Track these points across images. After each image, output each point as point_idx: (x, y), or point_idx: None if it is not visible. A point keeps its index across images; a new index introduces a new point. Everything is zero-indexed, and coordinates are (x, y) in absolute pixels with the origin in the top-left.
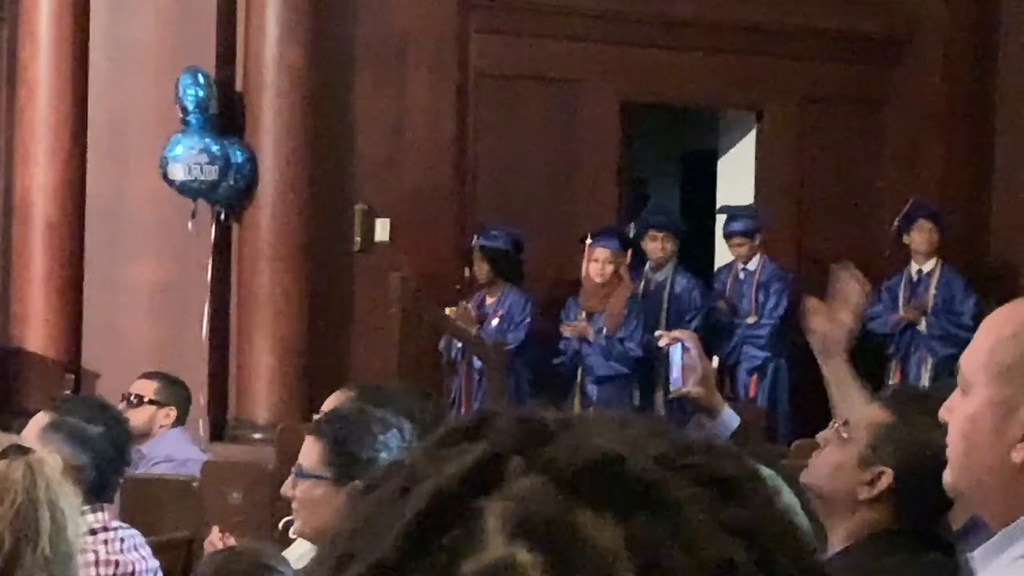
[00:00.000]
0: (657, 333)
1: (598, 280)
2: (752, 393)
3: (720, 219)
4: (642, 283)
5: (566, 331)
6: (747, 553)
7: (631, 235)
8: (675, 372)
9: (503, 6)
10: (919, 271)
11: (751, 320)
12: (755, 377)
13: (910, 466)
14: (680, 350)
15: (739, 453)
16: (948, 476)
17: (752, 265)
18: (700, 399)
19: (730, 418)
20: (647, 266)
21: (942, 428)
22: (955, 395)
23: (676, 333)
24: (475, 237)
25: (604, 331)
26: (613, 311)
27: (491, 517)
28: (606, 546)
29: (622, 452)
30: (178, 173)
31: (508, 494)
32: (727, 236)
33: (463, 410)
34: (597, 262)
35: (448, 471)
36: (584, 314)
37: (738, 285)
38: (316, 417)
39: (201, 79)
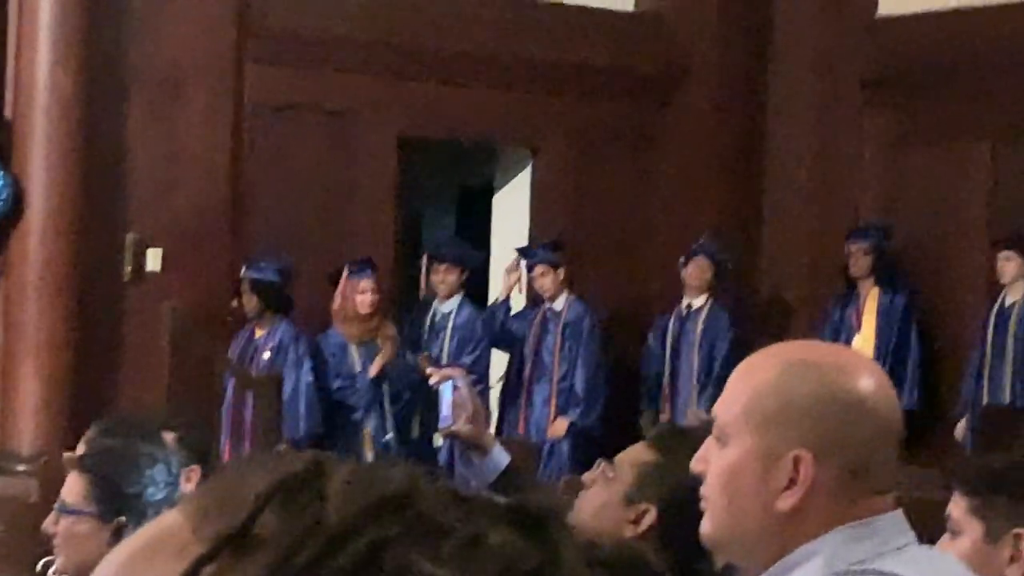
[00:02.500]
0: (429, 370)
1: (367, 311)
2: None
3: (498, 253)
4: (430, 314)
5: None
6: None
7: (422, 267)
8: (445, 409)
9: (280, 36)
10: (688, 306)
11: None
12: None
13: (674, 504)
14: (451, 388)
15: None
16: (707, 527)
17: (559, 304)
18: (470, 436)
19: (500, 456)
20: (436, 298)
21: None
22: (709, 445)
23: (447, 371)
24: (243, 269)
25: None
26: (389, 337)
27: None
28: None
29: None
30: None
31: None
32: (530, 268)
33: (230, 441)
34: (364, 293)
35: None
36: (352, 346)
37: (545, 325)
38: (67, 455)
39: None
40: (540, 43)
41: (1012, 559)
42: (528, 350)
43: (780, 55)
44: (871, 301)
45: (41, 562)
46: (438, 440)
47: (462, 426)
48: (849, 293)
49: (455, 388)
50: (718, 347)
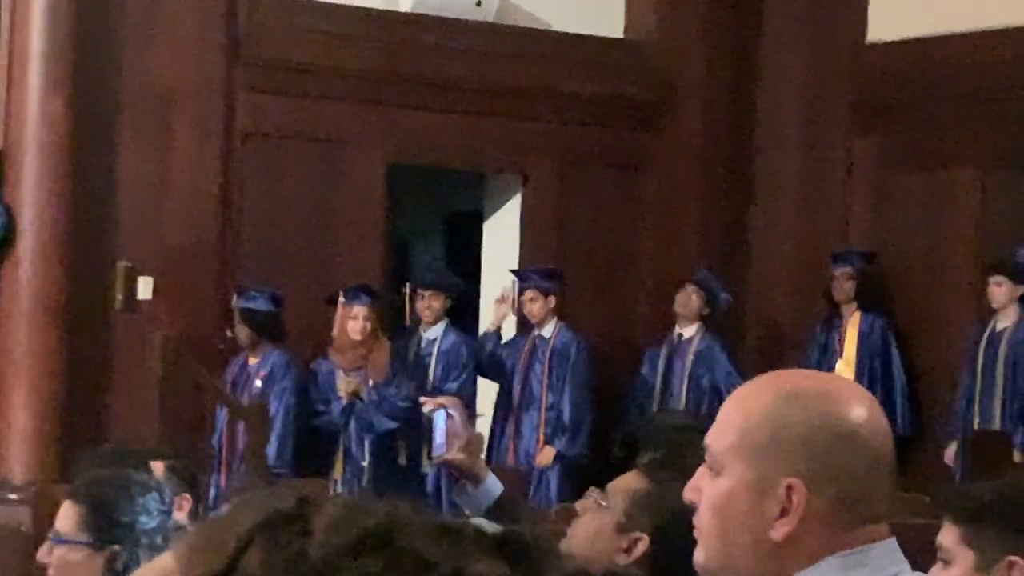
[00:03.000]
0: (422, 399)
1: (357, 338)
2: (541, 461)
3: (488, 280)
4: (415, 341)
5: (341, 388)
6: None
7: (407, 294)
8: (439, 438)
9: (270, 65)
10: (679, 335)
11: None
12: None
13: (666, 532)
14: (444, 416)
15: None
16: (700, 556)
17: (547, 331)
18: (464, 465)
19: (493, 485)
20: (420, 325)
21: None
22: (702, 474)
23: (441, 399)
24: (234, 298)
25: (371, 384)
26: (377, 365)
27: None
28: None
29: None
30: None
31: None
32: (522, 291)
33: (223, 470)
34: (356, 320)
35: None
36: (340, 372)
37: (534, 353)
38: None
39: None
40: (529, 70)
41: None
42: (518, 377)
43: (767, 80)
44: (852, 326)
45: None
46: (427, 468)
47: (456, 454)
48: (832, 317)
49: (448, 416)
50: (710, 377)
